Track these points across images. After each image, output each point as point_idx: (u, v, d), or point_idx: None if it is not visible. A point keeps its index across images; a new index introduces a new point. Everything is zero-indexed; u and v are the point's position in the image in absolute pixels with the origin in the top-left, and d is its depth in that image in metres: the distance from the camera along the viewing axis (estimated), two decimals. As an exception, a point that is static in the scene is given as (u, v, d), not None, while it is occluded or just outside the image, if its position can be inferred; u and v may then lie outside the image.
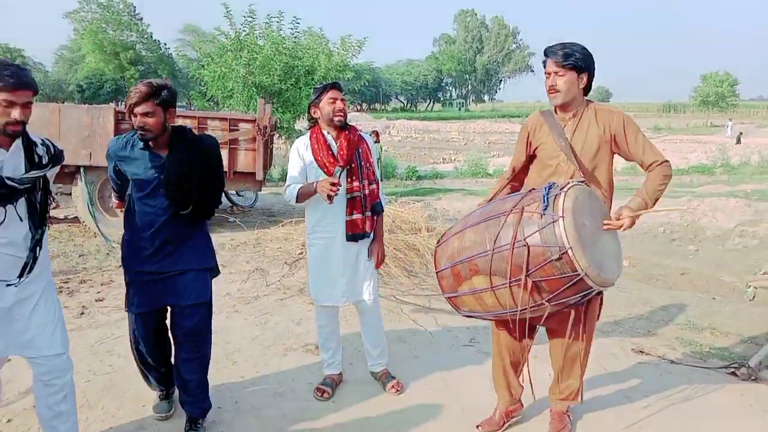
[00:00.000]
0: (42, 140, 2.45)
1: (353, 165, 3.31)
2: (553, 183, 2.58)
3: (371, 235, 3.44)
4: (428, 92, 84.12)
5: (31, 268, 2.39)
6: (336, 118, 3.27)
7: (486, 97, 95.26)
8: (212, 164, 2.98)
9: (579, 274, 2.35)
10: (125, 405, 3.32)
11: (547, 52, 2.75)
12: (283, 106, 12.93)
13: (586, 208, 2.49)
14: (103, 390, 3.48)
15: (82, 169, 7.34)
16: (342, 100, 3.28)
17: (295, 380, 3.70)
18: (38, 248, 2.42)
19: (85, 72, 44.90)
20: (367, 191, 3.34)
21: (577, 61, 2.68)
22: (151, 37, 47.23)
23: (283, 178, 15.96)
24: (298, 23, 13.25)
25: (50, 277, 2.59)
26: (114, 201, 3.24)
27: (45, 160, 2.41)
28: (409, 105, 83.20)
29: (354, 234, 3.32)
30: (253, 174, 7.87)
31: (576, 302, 2.55)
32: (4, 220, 2.29)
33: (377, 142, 14.89)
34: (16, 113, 2.22)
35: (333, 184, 3.06)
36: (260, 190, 8.91)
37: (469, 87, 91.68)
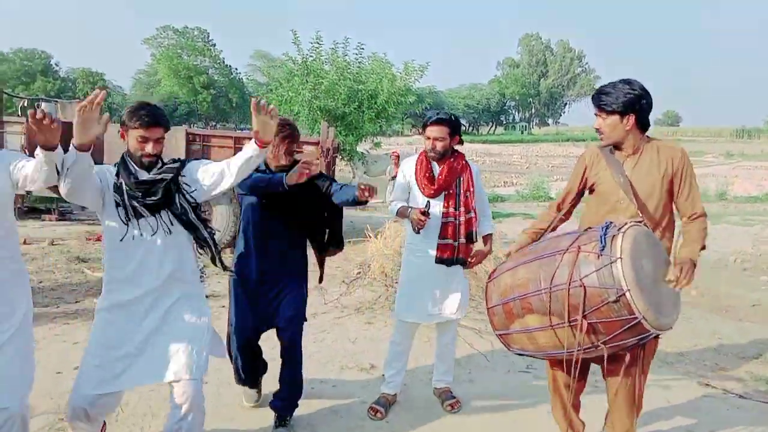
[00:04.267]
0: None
1: (451, 191, 3.40)
2: (611, 222, 2.53)
3: (464, 261, 3.47)
4: (491, 115, 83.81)
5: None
6: (430, 154, 3.41)
7: (550, 121, 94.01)
8: None
9: (637, 318, 2.29)
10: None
11: (593, 97, 2.78)
12: (346, 129, 13.20)
13: (644, 250, 2.43)
14: (163, 401, 3.63)
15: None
16: (437, 139, 3.35)
17: (350, 399, 3.76)
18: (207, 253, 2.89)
19: (160, 95, 47.17)
20: (462, 219, 3.41)
21: (617, 105, 2.65)
22: (223, 62, 49.30)
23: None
24: (363, 48, 13.56)
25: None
26: None
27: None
28: (471, 128, 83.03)
29: (442, 258, 3.38)
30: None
31: (632, 345, 2.48)
32: (155, 230, 2.59)
33: None
34: (149, 148, 2.55)
35: (423, 214, 3.20)
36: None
37: (533, 110, 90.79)
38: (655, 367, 4.46)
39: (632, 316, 2.30)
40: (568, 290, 2.40)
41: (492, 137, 72.07)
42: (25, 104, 11.81)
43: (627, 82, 2.70)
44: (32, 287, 2.86)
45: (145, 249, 2.59)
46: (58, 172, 2.25)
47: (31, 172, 2.28)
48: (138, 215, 2.55)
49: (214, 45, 49.70)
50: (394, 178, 15.31)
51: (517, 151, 46.36)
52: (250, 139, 2.65)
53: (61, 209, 10.50)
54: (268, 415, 3.37)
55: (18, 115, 10.73)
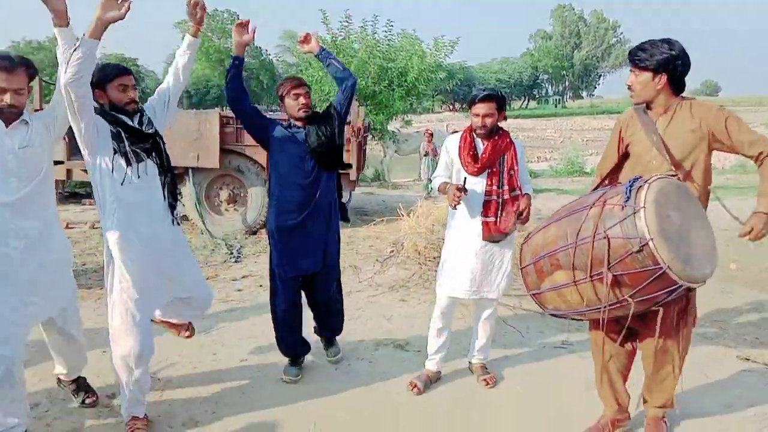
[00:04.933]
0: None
1: (494, 169, 3.39)
2: (639, 176, 2.51)
3: (507, 236, 3.45)
4: (523, 90, 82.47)
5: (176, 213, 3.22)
6: (479, 131, 3.38)
7: (584, 94, 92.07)
8: None
9: (661, 267, 2.28)
10: (225, 393, 3.56)
11: (630, 52, 2.76)
12: (377, 108, 13.19)
13: (673, 201, 2.41)
14: (206, 378, 3.75)
15: (190, 171, 7.81)
16: (486, 115, 3.33)
17: (386, 375, 3.81)
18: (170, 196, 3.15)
19: (192, 78, 47.50)
20: (506, 197, 3.39)
21: (651, 62, 2.63)
22: (253, 43, 49.33)
23: (376, 178, 16.30)
24: (392, 26, 13.47)
25: None
26: None
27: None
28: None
29: (491, 236, 3.39)
30: (347, 174, 8.11)
31: (664, 300, 2.45)
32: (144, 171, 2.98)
33: None
34: (131, 93, 2.96)
35: (459, 190, 3.22)
36: (354, 190, 9.14)
37: (566, 83, 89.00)
38: (694, 341, 4.41)
39: (657, 266, 2.29)
40: (593, 243, 2.40)
41: (525, 112, 71.01)
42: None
43: (667, 41, 2.66)
44: (76, 270, 3.06)
45: (145, 188, 2.99)
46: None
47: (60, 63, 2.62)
48: (139, 159, 2.95)
49: (244, 27, 49.82)
50: (426, 155, 15.37)
51: (550, 125, 45.64)
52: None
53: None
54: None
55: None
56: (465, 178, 3.34)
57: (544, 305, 2.75)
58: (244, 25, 3.44)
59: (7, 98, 2.65)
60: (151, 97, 3.24)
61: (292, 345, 3.74)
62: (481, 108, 3.32)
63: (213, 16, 47.73)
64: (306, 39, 3.69)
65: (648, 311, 2.57)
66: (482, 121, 3.33)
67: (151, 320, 3.18)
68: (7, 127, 2.70)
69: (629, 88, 2.77)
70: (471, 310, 3.97)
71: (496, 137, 3.41)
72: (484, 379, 3.67)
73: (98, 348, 4.04)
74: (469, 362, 3.83)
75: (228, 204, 8.05)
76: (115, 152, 2.87)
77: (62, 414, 3.25)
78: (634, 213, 2.33)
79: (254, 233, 7.84)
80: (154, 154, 3.02)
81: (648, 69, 2.65)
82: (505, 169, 3.40)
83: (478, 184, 3.38)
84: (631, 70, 2.75)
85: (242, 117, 3.54)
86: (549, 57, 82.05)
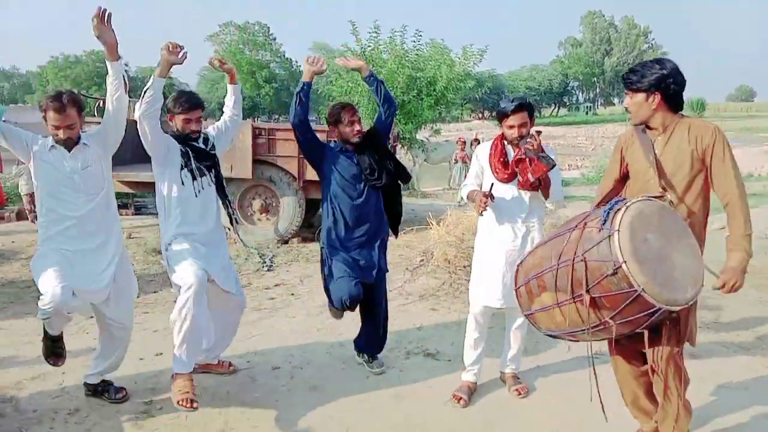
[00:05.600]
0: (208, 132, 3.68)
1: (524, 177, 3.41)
2: (622, 198, 2.54)
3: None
4: (553, 97, 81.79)
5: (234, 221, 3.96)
6: (515, 141, 3.38)
7: (615, 100, 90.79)
8: None
9: (636, 290, 2.29)
10: (259, 400, 3.62)
11: (622, 76, 2.82)
12: (406, 117, 13.25)
13: (653, 223, 2.41)
14: (240, 385, 3.81)
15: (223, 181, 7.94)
16: (522, 125, 3.33)
17: (417, 383, 3.82)
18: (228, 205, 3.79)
19: (224, 90, 48.35)
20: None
21: (642, 84, 2.64)
22: (284, 55, 50.04)
23: (405, 187, 16.33)
24: (421, 35, 13.53)
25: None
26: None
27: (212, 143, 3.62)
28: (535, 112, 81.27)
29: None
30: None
31: (647, 323, 2.43)
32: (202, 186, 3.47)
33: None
34: (193, 126, 3.44)
35: (484, 196, 3.24)
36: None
37: (597, 90, 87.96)
38: (732, 352, 4.32)
39: (632, 289, 2.30)
40: (572, 265, 2.44)
41: (555, 119, 70.37)
42: (101, 105, 12.42)
43: (658, 61, 2.69)
44: None
45: (203, 197, 3.46)
46: (125, 85, 3.18)
47: (108, 91, 3.17)
48: (201, 174, 3.44)
49: (275, 39, 50.60)
50: (456, 162, 15.33)
51: (581, 132, 45.15)
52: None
53: (136, 204, 11.04)
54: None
55: (93, 115, 11.30)
56: (492, 184, 3.36)
57: (537, 325, 2.76)
58: (312, 64, 3.72)
59: (61, 134, 3.11)
60: (211, 126, 3.77)
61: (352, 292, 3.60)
62: (515, 119, 3.33)
63: (244, 29, 48.53)
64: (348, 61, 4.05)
65: (656, 331, 2.55)
66: (519, 131, 3.32)
67: (195, 367, 3.44)
68: (69, 151, 3.19)
69: (627, 110, 2.80)
70: (502, 319, 3.96)
71: None
72: (516, 390, 3.65)
73: (135, 356, 4.14)
74: (501, 372, 3.82)
75: (260, 214, 8.16)
76: (182, 168, 3.38)
77: (101, 419, 3.34)
78: (609, 236, 2.36)
79: (286, 242, 7.94)
80: (212, 170, 3.52)
81: (641, 90, 2.67)
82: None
83: (508, 191, 3.39)
84: (626, 93, 2.78)
85: (303, 138, 3.70)
86: (579, 64, 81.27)
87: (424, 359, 4.22)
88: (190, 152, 3.41)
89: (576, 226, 2.56)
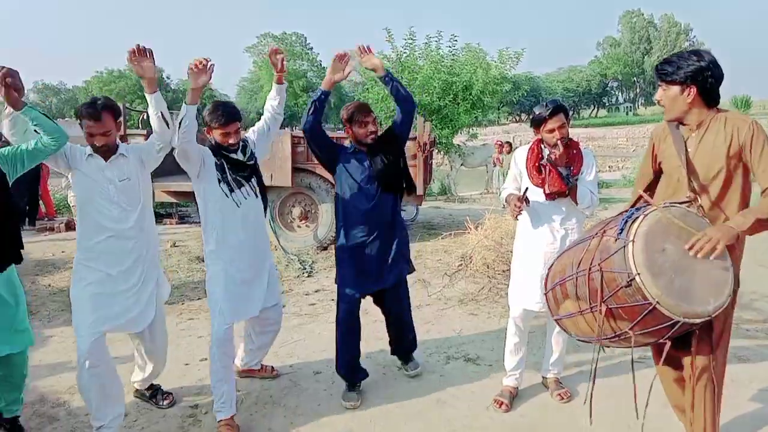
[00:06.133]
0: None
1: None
2: (643, 205, 2.45)
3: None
4: (592, 98, 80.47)
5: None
6: (558, 144, 3.35)
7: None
8: None
9: (651, 303, 2.20)
10: (302, 404, 3.66)
11: (655, 67, 2.64)
12: (442, 122, 13.22)
13: (673, 232, 2.30)
14: (283, 390, 3.87)
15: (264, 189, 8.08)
16: (561, 128, 3.30)
17: (457, 389, 3.82)
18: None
19: (263, 101, 49.09)
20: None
21: (678, 75, 2.49)
22: (321, 64, 50.58)
23: (442, 192, 16.29)
24: (456, 40, 13.51)
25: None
26: None
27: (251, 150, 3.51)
28: (571, 113, 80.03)
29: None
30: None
31: (668, 335, 2.32)
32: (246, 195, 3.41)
33: (509, 153, 14.65)
34: (231, 139, 3.32)
35: (519, 201, 3.25)
36: (420, 205, 9.18)
37: (637, 90, 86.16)
38: (761, 351, 4.19)
39: (646, 302, 2.22)
40: (589, 275, 2.39)
41: (594, 120, 69.15)
42: (145, 117, 12.77)
43: (695, 52, 2.52)
44: None
45: (244, 207, 3.38)
46: (166, 123, 3.09)
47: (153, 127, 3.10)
48: (239, 185, 3.36)
49: (311, 48, 51.22)
50: (495, 165, 15.21)
51: (621, 133, 44.23)
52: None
53: (180, 213, 11.31)
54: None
55: (137, 128, 11.62)
56: (527, 188, 3.34)
57: (567, 330, 2.71)
58: (341, 58, 3.59)
59: (96, 141, 3.04)
60: (251, 129, 3.70)
61: (350, 363, 3.71)
62: (553, 122, 3.29)
63: (282, 39, 49.22)
64: (364, 52, 3.67)
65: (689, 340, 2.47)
66: (560, 133, 3.28)
67: (237, 373, 3.60)
68: (106, 161, 3.11)
69: (659, 104, 2.64)
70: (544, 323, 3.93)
71: (565, 148, 3.38)
72: (559, 394, 3.62)
73: (181, 361, 4.24)
74: (543, 377, 3.79)
75: (300, 221, 8.27)
76: (219, 181, 3.30)
77: (149, 423, 3.44)
78: (624, 246, 2.30)
79: (325, 249, 8.01)
80: (252, 180, 3.43)
81: (676, 82, 2.51)
82: (572, 179, 3.36)
83: (544, 195, 3.37)
84: (659, 85, 2.62)
85: (315, 143, 3.64)
86: (618, 64, 79.77)
87: (465, 364, 4.21)
88: (225, 164, 3.33)
89: (596, 234, 2.50)
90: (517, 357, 3.64)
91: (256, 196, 3.47)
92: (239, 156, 3.37)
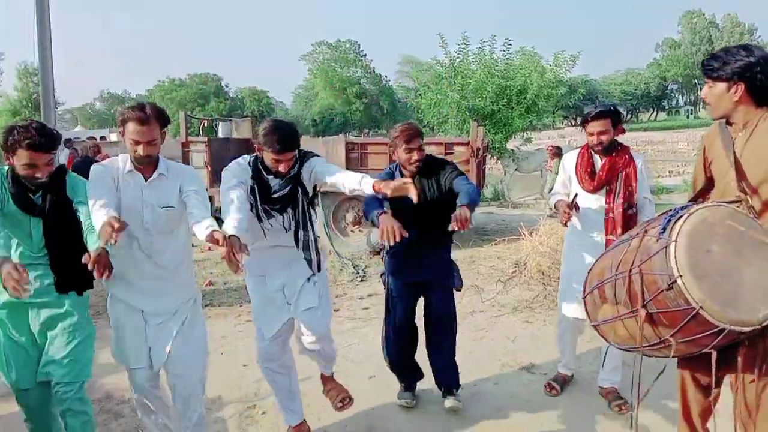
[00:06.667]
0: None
1: (612, 186, 3.36)
2: (690, 203, 2.28)
3: None
4: (651, 101, 78.10)
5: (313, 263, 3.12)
6: (596, 148, 3.38)
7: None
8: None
9: (694, 308, 2.02)
10: (356, 408, 3.69)
11: (702, 63, 2.50)
12: (495, 127, 13.12)
13: (719, 232, 2.13)
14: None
15: (319, 195, 8.20)
16: (601, 133, 3.30)
17: (512, 397, 3.78)
18: (310, 248, 3.09)
19: (318, 107, 49.98)
20: (619, 210, 3.33)
21: (725, 71, 2.35)
22: (374, 71, 50.99)
23: (495, 197, 16.13)
24: (510, 44, 13.40)
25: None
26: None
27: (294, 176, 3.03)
28: (630, 116, 77.97)
29: None
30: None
31: (713, 343, 2.13)
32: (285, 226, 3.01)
33: (558, 156, 14.35)
34: (282, 167, 2.90)
35: (568, 207, 3.23)
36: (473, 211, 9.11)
37: (699, 92, 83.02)
38: None
39: (689, 307, 2.03)
40: (629, 277, 2.22)
41: (654, 124, 67.08)
42: (205, 125, 13.17)
43: (744, 47, 2.38)
44: (218, 288, 3.30)
45: (275, 232, 3.02)
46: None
47: (195, 230, 2.61)
48: (269, 216, 2.97)
49: (365, 55, 51.69)
50: (548, 171, 14.98)
51: (682, 137, 42.66)
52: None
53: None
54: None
55: (198, 135, 11.99)
56: (576, 194, 3.31)
57: (605, 337, 2.54)
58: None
59: (140, 150, 2.64)
60: (319, 161, 3.13)
61: (405, 367, 3.69)
62: (594, 126, 3.30)
63: (336, 47, 49.83)
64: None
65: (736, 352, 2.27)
66: (597, 138, 3.30)
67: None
68: (146, 181, 2.75)
69: (704, 102, 2.52)
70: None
71: (614, 153, 3.37)
72: (618, 406, 3.53)
73: (239, 362, 4.35)
74: (600, 387, 3.70)
75: (353, 225, 8.37)
76: (251, 206, 2.92)
77: (209, 422, 3.53)
78: (666, 246, 2.12)
79: (377, 253, 8.07)
80: (287, 211, 3.01)
81: (722, 79, 2.38)
82: (623, 185, 3.34)
83: (595, 201, 3.35)
84: (705, 82, 2.49)
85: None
86: (678, 66, 77.12)
87: (520, 373, 4.16)
88: (257, 192, 2.95)
89: (637, 234, 2.35)
90: (568, 352, 3.71)
91: (287, 230, 3.03)
92: (273, 183, 2.97)
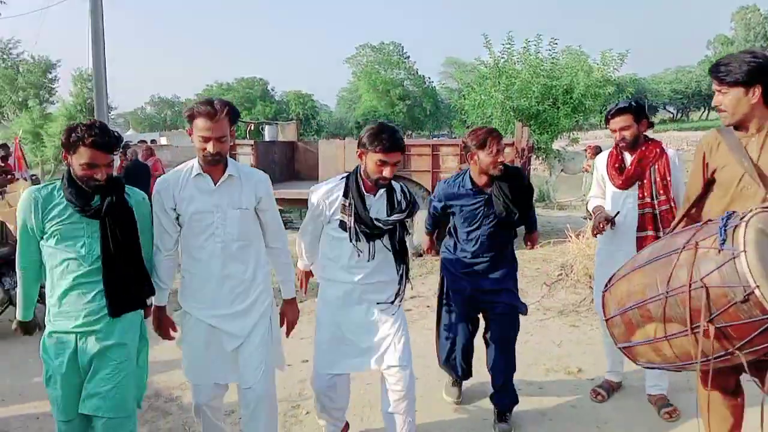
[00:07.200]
0: (401, 186, 2.95)
1: (645, 181, 3.32)
2: (733, 212, 2.20)
3: None
4: (702, 100, 75.61)
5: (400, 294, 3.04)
6: (621, 144, 3.38)
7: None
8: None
9: None
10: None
11: (710, 70, 2.42)
12: (540, 127, 12.95)
13: None
14: (378, 396, 3.91)
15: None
16: (623, 129, 3.30)
17: (558, 401, 3.72)
18: (404, 278, 3.05)
19: (361, 110, 50.16)
20: (665, 207, 3.28)
21: (740, 74, 2.28)
22: (417, 72, 50.95)
23: (540, 198, 15.90)
24: (556, 43, 13.21)
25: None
26: (426, 241, 3.89)
27: (403, 206, 2.87)
28: (680, 115, 75.72)
29: None
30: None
31: None
32: (372, 254, 2.84)
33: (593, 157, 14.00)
34: (387, 171, 2.70)
35: (606, 220, 3.29)
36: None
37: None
38: None
39: (766, 316, 1.97)
40: (689, 292, 2.12)
41: (705, 123, 64.89)
42: (252, 128, 13.40)
43: (749, 51, 2.35)
44: (274, 287, 3.38)
45: (365, 264, 2.89)
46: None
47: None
48: (357, 239, 2.78)
49: (408, 57, 51.69)
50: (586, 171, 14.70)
51: (738, 136, 41.19)
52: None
53: (283, 218, 11.74)
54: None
55: (244, 138, 12.22)
56: (617, 213, 3.34)
57: (636, 359, 2.46)
58: None
59: (210, 147, 2.48)
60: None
61: (450, 357, 3.64)
62: (615, 123, 3.31)
63: (379, 50, 49.99)
64: None
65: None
66: (620, 134, 3.31)
67: None
68: (215, 184, 2.61)
69: (717, 109, 2.43)
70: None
71: (643, 148, 3.34)
72: (666, 413, 3.44)
73: (291, 362, 4.39)
74: (648, 394, 3.61)
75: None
76: (341, 224, 2.78)
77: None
78: (734, 257, 2.04)
79: (420, 256, 8.04)
80: (383, 239, 2.88)
81: (738, 83, 2.31)
82: (658, 179, 3.29)
83: (629, 198, 3.34)
84: (716, 90, 2.41)
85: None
86: (733, 62, 74.63)
87: (566, 377, 4.09)
88: (354, 212, 2.74)
89: (684, 247, 2.26)
90: (615, 357, 3.62)
91: (394, 254, 2.95)
92: (372, 208, 2.78)
